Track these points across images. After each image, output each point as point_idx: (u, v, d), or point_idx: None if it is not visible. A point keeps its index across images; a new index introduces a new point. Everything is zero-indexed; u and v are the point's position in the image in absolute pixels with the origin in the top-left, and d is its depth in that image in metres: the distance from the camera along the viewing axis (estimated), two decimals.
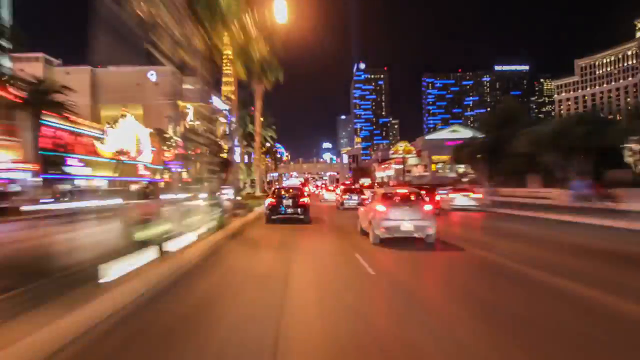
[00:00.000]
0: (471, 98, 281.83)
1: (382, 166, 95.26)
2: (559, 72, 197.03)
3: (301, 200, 18.54)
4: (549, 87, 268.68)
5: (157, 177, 57.64)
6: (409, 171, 72.68)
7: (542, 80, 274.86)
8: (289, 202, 18.30)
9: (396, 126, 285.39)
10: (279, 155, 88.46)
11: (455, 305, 6.56)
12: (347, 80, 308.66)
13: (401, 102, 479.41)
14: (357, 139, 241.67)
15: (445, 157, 67.41)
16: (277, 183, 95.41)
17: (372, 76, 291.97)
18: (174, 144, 61.16)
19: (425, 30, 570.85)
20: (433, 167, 71.37)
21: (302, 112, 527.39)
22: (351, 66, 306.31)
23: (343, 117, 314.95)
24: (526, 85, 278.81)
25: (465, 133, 71.96)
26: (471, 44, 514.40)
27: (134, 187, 47.09)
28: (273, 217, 18.32)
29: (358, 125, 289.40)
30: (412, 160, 75.61)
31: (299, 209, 18.29)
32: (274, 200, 18.55)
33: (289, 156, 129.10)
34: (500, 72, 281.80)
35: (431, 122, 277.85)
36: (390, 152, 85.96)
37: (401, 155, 73.06)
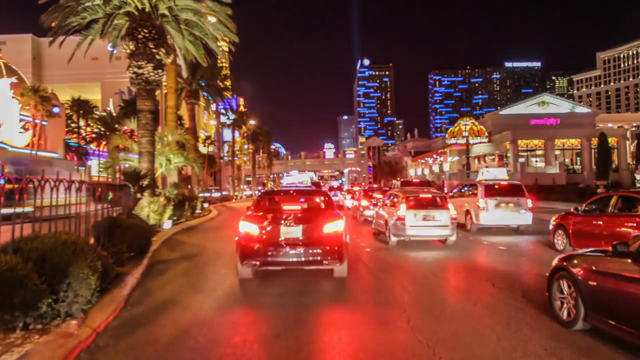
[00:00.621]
0: (480, 96, 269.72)
1: (421, 160, 70.87)
2: (573, 68, 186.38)
3: (326, 226, 7.31)
4: (561, 85, 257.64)
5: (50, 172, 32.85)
6: (464, 166, 49.00)
7: (554, 77, 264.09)
8: (295, 230, 7.16)
9: (400, 126, 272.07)
10: (273, 148, 71.18)
11: None
12: (349, 81, 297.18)
13: (407, 101, 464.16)
14: (362, 139, 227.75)
15: (537, 142, 45.58)
16: (276, 184, 76.53)
17: (377, 73, 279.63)
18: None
19: (432, 26, 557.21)
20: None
21: (301, 114, 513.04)
22: (354, 65, 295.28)
23: (345, 117, 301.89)
24: (538, 83, 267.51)
25: (560, 106, 51.41)
26: (480, 39, 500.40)
27: None
28: (254, 262, 7.17)
29: (362, 125, 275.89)
30: (477, 149, 49.49)
31: (317, 250, 7.11)
32: (258, 224, 7.32)
33: (289, 155, 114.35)
34: (511, 69, 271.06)
35: (438, 121, 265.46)
36: (444, 136, 58.53)
37: (463, 142, 46.17)
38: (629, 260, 4.25)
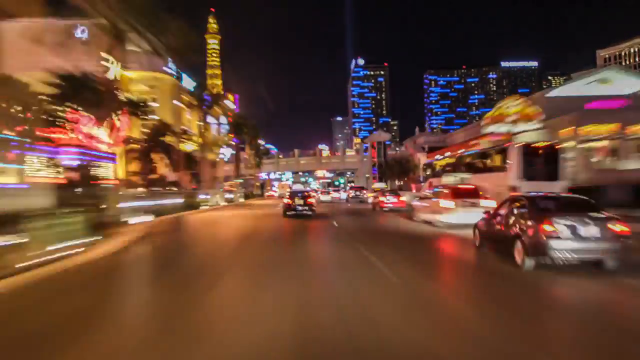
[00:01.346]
0: (476, 96, 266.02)
1: (439, 156, 58.77)
2: (571, 68, 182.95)
3: (309, 200, 24.80)
4: (557, 84, 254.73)
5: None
6: None
7: (550, 77, 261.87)
8: (301, 202, 24.38)
9: (395, 127, 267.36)
10: (262, 145, 63.21)
11: None
12: (343, 81, 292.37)
13: (402, 102, 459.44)
14: (356, 140, 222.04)
15: (605, 128, 33.33)
16: (266, 188, 71.78)
17: (372, 73, 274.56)
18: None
19: (428, 25, 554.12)
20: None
21: (294, 115, 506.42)
22: (348, 64, 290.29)
23: (339, 118, 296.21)
24: (534, 83, 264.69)
25: (624, 81, 39.45)
26: (476, 39, 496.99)
27: None
28: (288, 213, 24.20)
29: (357, 125, 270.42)
30: (520, 139, 32.50)
31: (307, 207, 24.38)
32: (289, 200, 24.66)
33: (282, 155, 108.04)
34: (507, 68, 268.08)
35: (434, 122, 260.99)
36: (480, 123, 44.26)
37: (506, 129, 34.44)
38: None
